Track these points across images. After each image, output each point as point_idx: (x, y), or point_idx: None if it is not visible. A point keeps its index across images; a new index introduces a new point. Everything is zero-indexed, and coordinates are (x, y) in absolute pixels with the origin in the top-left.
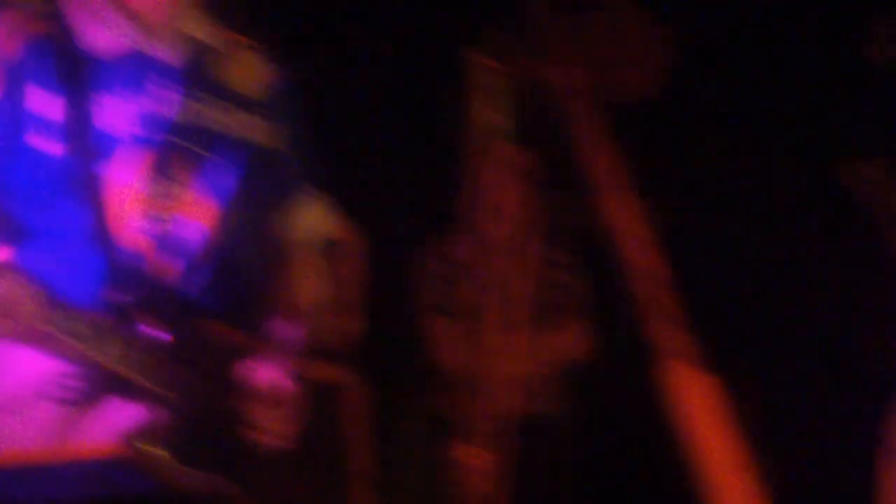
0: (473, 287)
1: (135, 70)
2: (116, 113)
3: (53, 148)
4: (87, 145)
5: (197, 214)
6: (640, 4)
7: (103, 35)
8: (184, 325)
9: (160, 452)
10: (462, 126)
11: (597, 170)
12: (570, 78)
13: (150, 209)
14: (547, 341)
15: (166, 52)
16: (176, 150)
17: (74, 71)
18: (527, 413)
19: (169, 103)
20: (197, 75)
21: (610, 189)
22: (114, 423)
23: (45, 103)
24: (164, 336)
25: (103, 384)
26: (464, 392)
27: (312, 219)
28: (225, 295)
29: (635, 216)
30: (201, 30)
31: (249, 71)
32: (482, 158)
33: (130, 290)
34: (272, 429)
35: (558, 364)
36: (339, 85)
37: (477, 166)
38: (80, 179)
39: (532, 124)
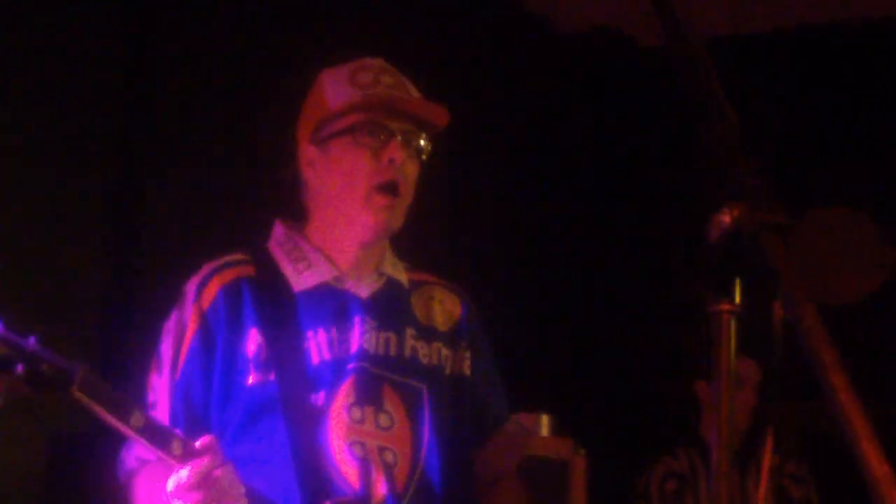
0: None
1: (334, 305)
2: (319, 345)
3: (262, 381)
4: (294, 377)
5: (398, 441)
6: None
7: (304, 275)
8: None
9: None
10: (688, 347)
11: (827, 376)
12: (797, 298)
13: (354, 435)
14: None
15: (363, 289)
16: (376, 379)
17: (279, 309)
18: None
19: (368, 335)
20: (392, 309)
21: (839, 394)
22: None
23: (252, 341)
24: None
25: None
26: None
27: (516, 443)
28: None
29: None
30: (393, 267)
31: (441, 305)
32: (709, 374)
33: None
34: None
35: None
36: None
37: (703, 381)
38: (287, 408)
39: (759, 340)
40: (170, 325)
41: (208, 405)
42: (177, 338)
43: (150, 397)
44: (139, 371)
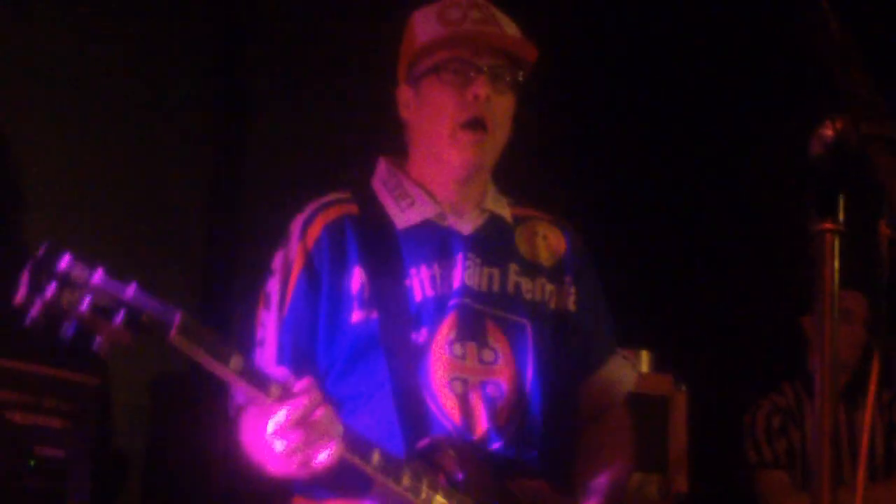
0: (808, 439)
1: (436, 242)
2: (422, 282)
3: (365, 318)
4: (396, 314)
5: (502, 376)
6: None
7: (407, 212)
8: (491, 481)
9: None
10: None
11: None
12: None
13: (455, 371)
14: (891, 492)
15: (465, 225)
16: (479, 314)
17: (382, 246)
18: None
19: (471, 272)
20: (495, 245)
21: None
22: None
23: (356, 279)
24: (470, 489)
25: None
26: None
27: (620, 377)
28: (533, 451)
29: None
30: (496, 203)
31: (545, 240)
32: (815, 309)
33: (437, 446)
34: None
35: None
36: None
37: (810, 317)
38: (389, 346)
39: (867, 271)
40: (276, 263)
41: (315, 342)
42: (283, 276)
43: (259, 333)
44: (245, 308)
